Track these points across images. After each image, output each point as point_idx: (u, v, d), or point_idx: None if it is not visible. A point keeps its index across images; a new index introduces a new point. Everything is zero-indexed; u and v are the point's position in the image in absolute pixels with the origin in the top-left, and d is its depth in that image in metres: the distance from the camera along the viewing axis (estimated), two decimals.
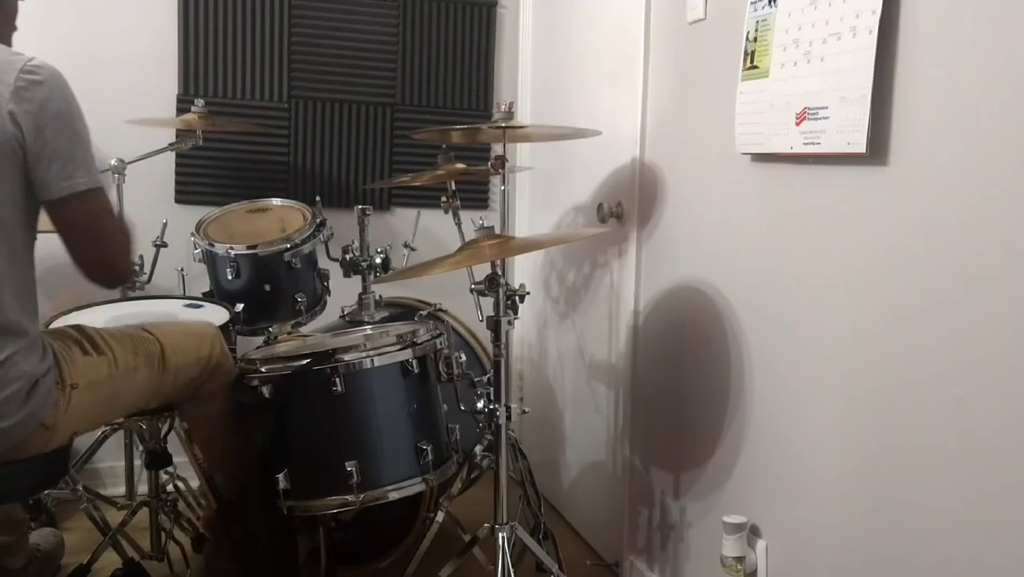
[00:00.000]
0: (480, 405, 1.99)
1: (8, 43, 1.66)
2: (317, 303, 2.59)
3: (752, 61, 1.78)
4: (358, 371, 1.87)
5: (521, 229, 3.27)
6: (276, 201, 2.68)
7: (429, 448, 1.90)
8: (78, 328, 1.75)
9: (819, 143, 1.59)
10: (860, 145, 1.49)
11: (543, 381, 3.09)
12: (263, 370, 1.90)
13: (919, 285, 1.42)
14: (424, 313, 2.50)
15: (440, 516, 2.15)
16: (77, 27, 2.81)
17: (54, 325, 1.96)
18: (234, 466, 1.98)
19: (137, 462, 2.49)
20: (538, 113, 3.14)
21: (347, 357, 1.87)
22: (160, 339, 1.82)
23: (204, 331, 1.94)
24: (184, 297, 2.48)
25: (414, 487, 1.91)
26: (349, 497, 1.84)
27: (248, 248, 2.43)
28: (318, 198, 2.63)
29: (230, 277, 2.43)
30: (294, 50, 3.01)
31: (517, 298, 1.95)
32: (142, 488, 2.45)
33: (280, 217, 2.60)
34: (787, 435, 1.76)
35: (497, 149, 2.31)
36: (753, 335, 1.87)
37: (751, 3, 1.79)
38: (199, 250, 2.48)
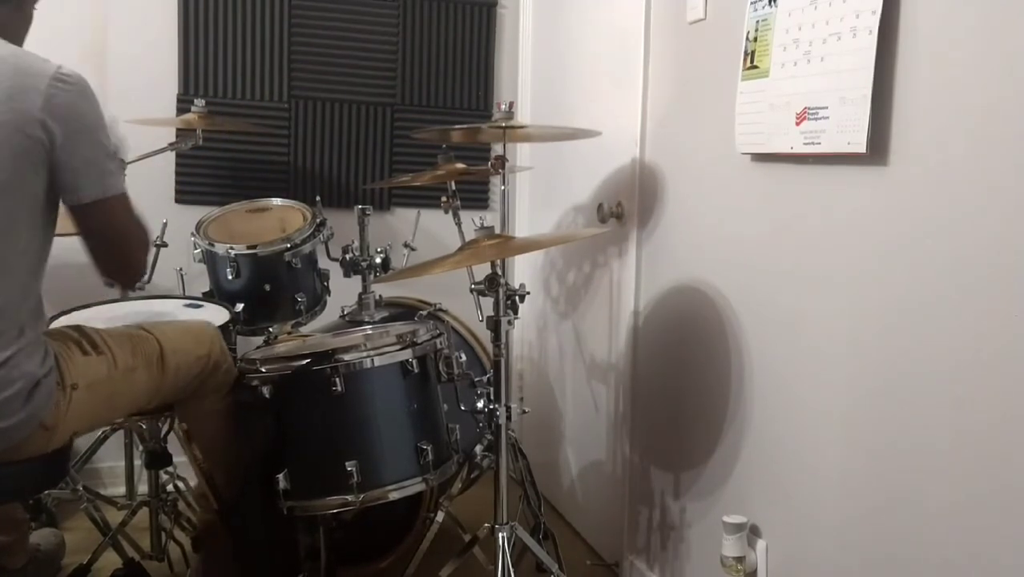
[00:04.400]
0: (480, 405, 1.99)
1: (20, 44, 1.66)
2: (317, 303, 2.58)
3: (752, 61, 1.78)
4: (358, 371, 1.87)
5: (521, 229, 3.27)
6: (276, 201, 2.68)
7: (429, 448, 1.90)
8: (77, 328, 1.75)
9: (819, 143, 1.59)
10: (860, 145, 1.49)
11: (543, 381, 3.09)
12: (263, 370, 1.90)
13: (919, 285, 1.42)
14: (424, 313, 2.50)
15: (440, 516, 2.15)
16: (77, 27, 2.81)
17: (54, 325, 1.96)
18: (234, 466, 1.98)
19: (137, 462, 2.49)
20: (538, 113, 3.14)
21: (347, 357, 1.87)
22: (159, 339, 1.82)
23: (203, 330, 1.95)
24: (184, 297, 2.48)
25: (414, 487, 1.91)
26: (349, 497, 1.84)
27: (248, 248, 2.43)
28: (318, 198, 2.63)
29: (230, 277, 2.43)
30: (294, 50, 3.01)
31: (517, 298, 1.95)
32: (142, 488, 2.45)
33: (280, 217, 2.60)
34: (787, 435, 1.76)
35: (497, 149, 2.31)
36: (753, 335, 1.87)
37: (751, 3, 1.79)
38: (199, 250, 2.48)
